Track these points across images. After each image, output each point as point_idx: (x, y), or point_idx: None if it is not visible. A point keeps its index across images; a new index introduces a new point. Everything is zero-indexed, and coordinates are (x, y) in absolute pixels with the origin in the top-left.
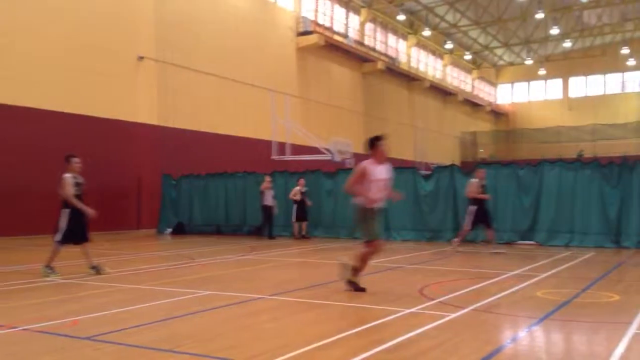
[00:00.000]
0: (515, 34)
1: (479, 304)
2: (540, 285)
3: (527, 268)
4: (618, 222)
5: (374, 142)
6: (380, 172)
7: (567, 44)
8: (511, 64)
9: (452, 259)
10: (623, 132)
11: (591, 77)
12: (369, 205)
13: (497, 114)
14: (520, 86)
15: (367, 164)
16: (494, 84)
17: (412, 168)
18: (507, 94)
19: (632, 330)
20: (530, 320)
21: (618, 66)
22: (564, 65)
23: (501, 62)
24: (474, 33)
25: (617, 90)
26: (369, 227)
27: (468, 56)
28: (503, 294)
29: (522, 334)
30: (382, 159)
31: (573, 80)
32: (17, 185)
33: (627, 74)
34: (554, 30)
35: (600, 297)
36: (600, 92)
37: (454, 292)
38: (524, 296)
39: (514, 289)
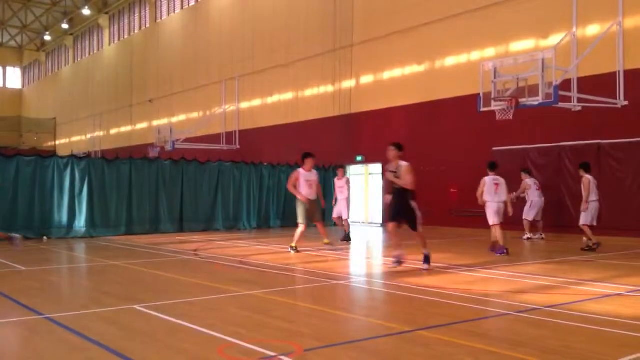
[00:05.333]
0: None
1: None
2: None
3: None
4: None
5: (304, 157)
6: (309, 176)
7: None
8: None
9: None
10: None
11: None
12: (302, 199)
13: None
14: None
15: (300, 170)
16: None
17: None
18: None
19: None
20: None
21: None
22: None
23: None
24: None
25: None
26: (301, 213)
27: None
28: None
29: None
30: (308, 168)
31: None
32: None
33: None
34: None
35: None
36: None
37: None
38: None
39: None
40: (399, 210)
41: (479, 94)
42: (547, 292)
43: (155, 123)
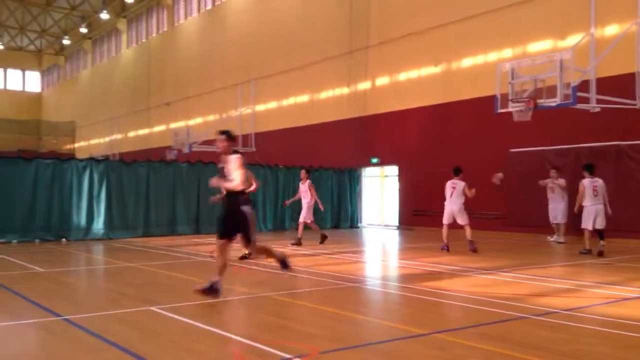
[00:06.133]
0: None
1: None
2: None
3: None
4: None
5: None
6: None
7: None
8: None
9: None
10: None
11: None
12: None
13: None
14: None
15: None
16: None
17: None
18: None
19: None
20: None
21: None
22: None
23: None
24: None
25: None
26: None
27: None
28: None
29: None
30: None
31: None
32: None
33: None
34: None
35: None
36: None
37: None
38: None
39: None
40: (230, 221)
41: (495, 95)
42: (565, 295)
43: (173, 126)
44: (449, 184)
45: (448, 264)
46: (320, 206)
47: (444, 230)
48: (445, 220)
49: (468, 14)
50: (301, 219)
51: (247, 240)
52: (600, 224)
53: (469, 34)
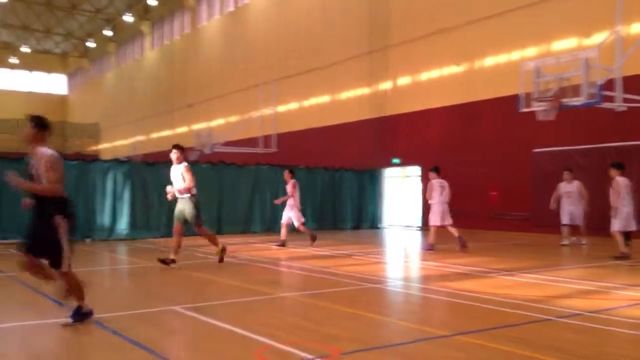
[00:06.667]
0: None
1: None
2: None
3: None
4: None
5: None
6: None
7: None
8: None
9: None
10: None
11: None
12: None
13: None
14: None
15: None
16: None
17: None
18: None
19: None
20: None
21: None
22: None
23: None
24: None
25: None
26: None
27: None
28: None
29: None
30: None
31: None
32: None
33: None
34: None
35: None
36: None
37: None
38: None
39: None
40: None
41: (519, 95)
42: (589, 297)
43: (195, 127)
44: (436, 183)
45: (470, 265)
46: (298, 206)
47: (436, 231)
48: (440, 221)
49: (491, 12)
50: (283, 220)
51: (55, 267)
52: (636, 226)
53: (492, 32)
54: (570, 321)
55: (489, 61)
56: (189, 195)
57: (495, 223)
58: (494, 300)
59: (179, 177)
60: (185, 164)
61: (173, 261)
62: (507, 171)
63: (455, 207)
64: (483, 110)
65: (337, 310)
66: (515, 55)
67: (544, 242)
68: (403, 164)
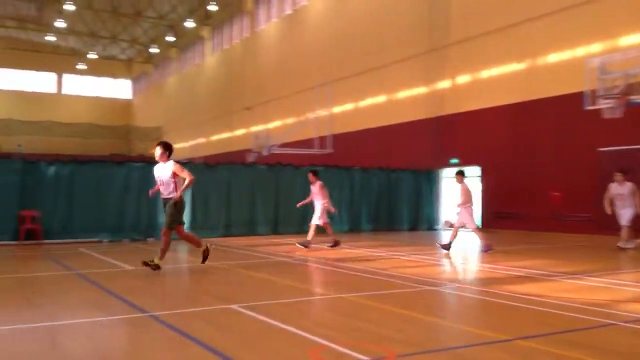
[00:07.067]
0: None
1: None
2: None
3: None
4: None
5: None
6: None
7: None
8: None
9: None
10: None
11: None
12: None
13: None
14: None
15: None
16: None
17: None
18: None
19: None
20: None
21: None
22: None
23: None
24: None
25: None
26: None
27: None
28: None
29: None
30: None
31: None
32: None
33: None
34: None
35: None
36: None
37: None
38: None
39: None
40: None
41: (584, 92)
42: None
43: (253, 129)
44: (467, 187)
45: (530, 268)
46: (332, 208)
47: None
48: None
49: (554, 8)
50: (313, 222)
51: None
52: None
53: (555, 28)
54: (636, 326)
55: (552, 58)
56: (172, 196)
57: (557, 225)
58: (555, 304)
59: (167, 176)
60: (173, 161)
61: (157, 267)
62: (569, 171)
63: (513, 210)
64: (545, 109)
65: (392, 312)
66: (579, 51)
67: (607, 244)
68: (461, 164)
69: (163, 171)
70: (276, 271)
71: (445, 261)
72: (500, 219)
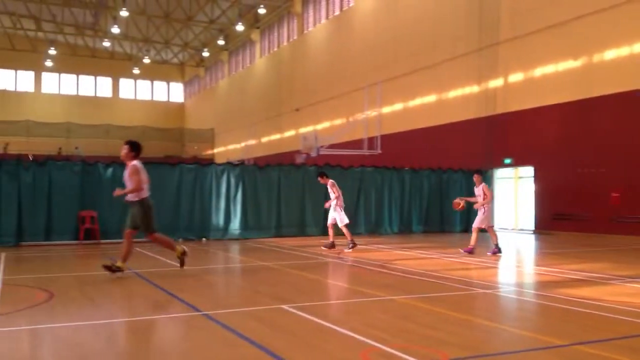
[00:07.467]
0: None
1: None
2: None
3: None
4: None
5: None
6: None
7: None
8: None
9: None
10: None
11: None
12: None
13: None
14: None
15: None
16: None
17: None
18: None
19: None
20: None
21: None
22: None
23: None
24: None
25: None
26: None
27: None
28: None
29: None
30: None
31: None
32: None
33: None
34: None
35: None
36: None
37: None
38: None
39: None
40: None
41: None
42: None
43: (302, 130)
44: (486, 187)
45: (588, 271)
46: (327, 204)
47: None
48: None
49: (609, 4)
50: (329, 222)
51: None
52: None
53: (612, 24)
54: None
55: (609, 55)
56: (137, 199)
57: (616, 226)
58: (615, 308)
59: (127, 178)
60: (134, 163)
61: (119, 269)
62: (629, 171)
63: (570, 211)
64: (602, 106)
65: (445, 314)
66: (638, 47)
67: None
68: (516, 164)
69: (127, 172)
70: (326, 272)
71: (499, 263)
72: (557, 220)
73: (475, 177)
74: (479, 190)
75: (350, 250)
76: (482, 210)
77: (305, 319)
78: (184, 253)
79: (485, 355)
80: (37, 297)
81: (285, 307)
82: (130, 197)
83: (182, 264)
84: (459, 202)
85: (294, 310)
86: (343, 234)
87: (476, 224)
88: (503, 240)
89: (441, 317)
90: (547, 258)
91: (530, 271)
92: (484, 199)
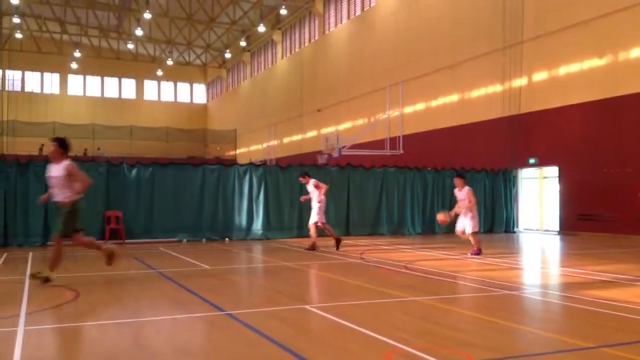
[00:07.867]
0: None
1: None
2: None
3: None
4: None
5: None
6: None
7: None
8: None
9: None
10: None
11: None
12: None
13: None
14: None
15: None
16: None
17: None
18: None
19: None
20: None
21: None
22: None
23: None
24: None
25: None
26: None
27: None
28: None
29: None
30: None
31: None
32: None
33: None
34: None
35: None
36: None
37: None
38: None
39: None
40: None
41: None
42: None
43: (324, 131)
44: (471, 191)
45: (614, 272)
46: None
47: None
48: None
49: (636, 1)
50: (311, 222)
51: None
52: None
53: (637, 22)
54: None
55: (634, 53)
56: (67, 200)
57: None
58: None
59: (61, 177)
60: (70, 162)
61: (47, 279)
62: None
63: (596, 211)
64: (628, 105)
65: (469, 316)
66: None
67: None
68: (540, 164)
69: (56, 172)
70: (348, 272)
71: (524, 265)
72: (582, 221)
73: (457, 181)
74: (462, 194)
75: (305, 250)
76: (470, 214)
77: (328, 319)
78: (112, 254)
79: (510, 357)
80: (64, 296)
81: (307, 307)
82: (61, 199)
83: (109, 262)
84: (444, 219)
85: (317, 311)
86: (339, 235)
87: (470, 229)
88: (528, 241)
89: (464, 318)
90: (572, 259)
91: (555, 272)
92: (469, 203)
